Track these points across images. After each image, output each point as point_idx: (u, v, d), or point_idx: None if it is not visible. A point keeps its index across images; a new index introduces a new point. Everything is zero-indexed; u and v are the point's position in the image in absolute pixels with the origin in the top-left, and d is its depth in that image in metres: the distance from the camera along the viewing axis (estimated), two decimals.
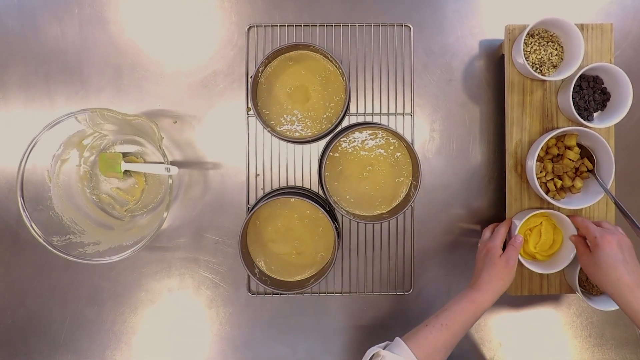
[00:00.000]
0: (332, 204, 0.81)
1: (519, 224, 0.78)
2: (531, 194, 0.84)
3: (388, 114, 0.87)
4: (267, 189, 0.87)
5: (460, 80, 0.88)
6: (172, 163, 0.87)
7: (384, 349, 0.68)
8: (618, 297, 0.68)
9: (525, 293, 0.84)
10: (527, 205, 0.85)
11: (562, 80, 0.83)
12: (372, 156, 0.83)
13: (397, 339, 0.70)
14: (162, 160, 0.77)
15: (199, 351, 0.88)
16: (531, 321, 0.90)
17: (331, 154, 0.82)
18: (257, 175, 0.88)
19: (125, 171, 0.85)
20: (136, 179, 0.87)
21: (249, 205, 0.87)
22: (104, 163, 0.85)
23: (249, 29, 0.87)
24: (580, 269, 0.81)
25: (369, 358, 0.67)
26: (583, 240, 0.77)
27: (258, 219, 0.82)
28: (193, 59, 0.87)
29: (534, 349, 0.90)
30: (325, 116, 0.83)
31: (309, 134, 0.83)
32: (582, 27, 0.83)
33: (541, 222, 0.82)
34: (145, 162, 0.87)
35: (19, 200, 0.74)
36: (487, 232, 0.82)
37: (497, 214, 0.89)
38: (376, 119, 0.87)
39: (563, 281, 0.85)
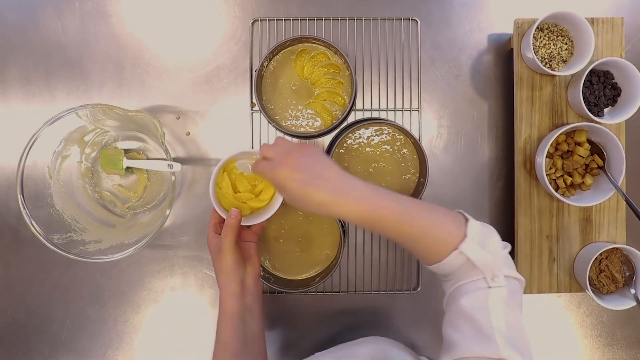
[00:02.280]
0: None
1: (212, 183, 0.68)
2: (540, 191, 0.83)
3: (395, 110, 0.86)
4: None
5: (468, 75, 0.87)
6: (175, 159, 0.86)
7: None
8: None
9: (535, 292, 0.83)
10: (537, 203, 0.83)
11: (572, 75, 0.82)
12: (378, 153, 0.81)
13: None
14: (165, 157, 0.76)
15: (202, 351, 0.87)
16: (540, 320, 0.89)
17: (336, 150, 0.81)
18: None
19: (127, 168, 0.84)
20: (138, 175, 0.86)
21: None
22: (106, 159, 0.84)
23: (253, 23, 0.86)
24: (591, 267, 0.80)
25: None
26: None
27: None
28: (196, 54, 0.86)
29: (543, 349, 0.89)
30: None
31: (314, 129, 0.82)
32: (592, 21, 0.82)
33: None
34: (147, 158, 0.86)
35: (19, 197, 0.73)
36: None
37: (505, 211, 0.87)
38: (382, 115, 0.86)
39: (573, 280, 0.84)
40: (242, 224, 0.67)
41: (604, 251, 0.80)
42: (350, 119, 0.86)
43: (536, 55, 0.80)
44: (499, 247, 0.57)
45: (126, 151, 0.85)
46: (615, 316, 0.89)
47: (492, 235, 0.58)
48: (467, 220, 0.58)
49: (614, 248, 0.80)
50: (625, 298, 0.79)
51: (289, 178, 0.54)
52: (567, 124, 0.82)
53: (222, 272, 0.67)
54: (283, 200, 0.67)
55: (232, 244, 0.66)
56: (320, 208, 0.54)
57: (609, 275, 0.81)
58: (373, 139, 0.82)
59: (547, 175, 0.79)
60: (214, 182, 0.69)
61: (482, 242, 0.56)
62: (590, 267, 0.79)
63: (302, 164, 0.55)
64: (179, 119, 0.86)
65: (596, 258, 0.80)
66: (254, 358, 0.68)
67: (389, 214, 0.54)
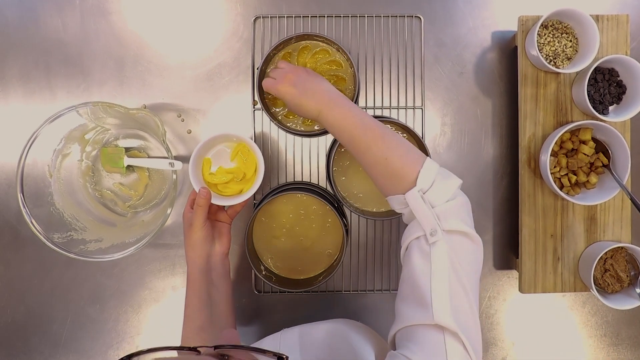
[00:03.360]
0: (341, 199, 0.79)
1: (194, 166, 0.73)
2: (545, 189, 0.83)
3: (398, 108, 0.85)
4: (274, 185, 0.86)
5: (472, 73, 0.86)
6: (177, 158, 0.85)
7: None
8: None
9: (539, 291, 0.82)
10: (541, 201, 0.83)
11: (577, 73, 0.82)
12: None
13: None
14: (166, 155, 0.75)
15: None
16: (544, 320, 0.88)
17: (339, 148, 0.80)
18: None
19: (128, 166, 0.83)
20: (139, 174, 0.85)
21: (254, 201, 0.85)
22: (106, 158, 0.83)
23: (255, 20, 0.85)
24: (596, 266, 0.79)
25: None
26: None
27: (264, 215, 0.81)
28: (198, 51, 0.85)
29: (547, 349, 0.88)
30: None
31: (317, 127, 0.81)
32: (597, 18, 0.81)
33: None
34: (148, 157, 0.85)
35: (19, 196, 0.73)
36: None
37: (509, 210, 0.87)
38: (385, 113, 0.86)
39: (577, 279, 0.83)
40: (216, 203, 0.71)
41: (608, 250, 0.79)
42: None
43: (540, 52, 0.79)
44: (447, 198, 0.56)
45: (127, 149, 0.84)
46: (620, 316, 0.88)
47: (443, 183, 0.57)
48: (419, 167, 0.58)
49: (619, 247, 0.79)
50: (630, 297, 0.78)
51: (287, 92, 0.67)
52: (572, 122, 0.81)
53: (190, 247, 0.70)
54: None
55: (201, 221, 0.69)
56: (313, 114, 0.66)
57: (614, 274, 0.80)
58: None
59: (551, 173, 0.78)
60: (196, 159, 0.73)
61: (431, 192, 0.56)
62: (595, 266, 0.78)
63: (297, 81, 0.67)
64: (180, 117, 0.85)
65: (601, 257, 0.79)
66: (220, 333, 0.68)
67: (364, 131, 0.62)
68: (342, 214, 0.82)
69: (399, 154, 0.59)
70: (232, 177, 0.75)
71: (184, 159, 0.86)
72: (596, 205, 0.83)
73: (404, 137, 0.80)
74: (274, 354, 0.36)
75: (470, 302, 0.50)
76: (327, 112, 0.64)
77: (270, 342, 0.62)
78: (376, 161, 0.61)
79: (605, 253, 0.80)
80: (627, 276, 0.80)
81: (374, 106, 0.85)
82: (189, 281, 0.70)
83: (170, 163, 0.76)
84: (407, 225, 0.60)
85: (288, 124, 0.81)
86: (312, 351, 0.58)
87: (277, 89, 0.69)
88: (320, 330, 0.62)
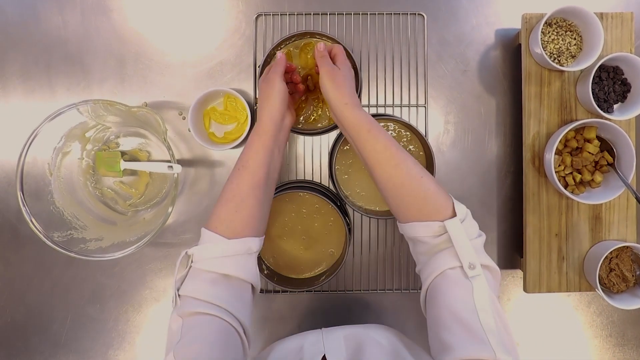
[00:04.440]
0: (343, 198, 0.78)
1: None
2: (549, 188, 0.82)
3: (401, 106, 0.85)
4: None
5: (475, 71, 0.86)
6: (178, 156, 0.85)
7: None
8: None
9: (544, 291, 0.82)
10: (546, 200, 0.82)
11: (581, 71, 0.81)
12: None
13: (202, 229, 0.61)
14: (167, 153, 0.75)
15: None
16: (549, 320, 0.88)
17: (341, 147, 0.80)
18: None
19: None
20: (140, 172, 0.85)
21: None
22: (102, 162, 0.83)
23: (257, 18, 0.84)
24: (601, 266, 0.78)
25: (179, 262, 0.59)
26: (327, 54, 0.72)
27: None
28: (199, 49, 0.85)
29: (552, 349, 0.87)
30: None
31: (319, 125, 0.80)
32: (601, 15, 0.81)
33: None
34: (149, 155, 0.85)
35: (19, 194, 0.72)
36: None
37: (513, 209, 0.86)
38: (388, 111, 0.85)
39: (582, 279, 0.82)
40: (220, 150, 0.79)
41: (614, 249, 0.79)
42: None
43: (544, 50, 0.79)
44: (476, 234, 0.59)
45: (123, 153, 0.83)
46: (626, 316, 0.87)
47: (472, 221, 0.60)
48: (451, 199, 0.60)
49: (624, 246, 0.79)
50: (636, 297, 0.78)
51: (333, 69, 0.68)
52: (576, 120, 0.81)
53: (266, 98, 0.68)
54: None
55: (281, 75, 0.69)
56: (342, 99, 0.65)
57: (619, 274, 0.79)
58: None
59: (556, 172, 0.78)
60: (193, 117, 0.79)
61: (465, 225, 0.57)
62: (600, 265, 0.78)
63: (337, 76, 0.67)
64: (181, 114, 0.85)
65: (606, 256, 0.79)
66: (268, 201, 0.67)
67: (397, 146, 0.63)
68: (344, 213, 0.81)
69: (432, 178, 0.61)
70: (231, 118, 0.82)
71: (186, 157, 0.85)
72: (601, 204, 0.82)
73: (407, 135, 0.80)
74: None
75: (510, 335, 0.52)
76: (356, 106, 0.65)
77: (312, 338, 0.59)
78: (411, 177, 0.60)
79: (611, 252, 0.79)
80: (633, 276, 0.79)
81: (377, 104, 0.85)
82: (257, 133, 0.65)
83: (169, 166, 0.75)
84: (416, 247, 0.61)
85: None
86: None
87: (322, 73, 0.68)
88: (378, 338, 0.60)
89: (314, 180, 0.85)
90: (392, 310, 0.86)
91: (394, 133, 0.80)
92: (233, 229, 0.60)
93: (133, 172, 0.85)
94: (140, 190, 0.85)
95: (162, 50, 0.85)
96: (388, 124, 0.80)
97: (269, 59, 0.79)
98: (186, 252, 0.59)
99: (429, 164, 0.78)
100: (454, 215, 0.58)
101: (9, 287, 0.85)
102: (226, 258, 0.58)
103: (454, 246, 0.56)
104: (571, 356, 0.88)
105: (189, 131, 0.85)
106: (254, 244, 0.61)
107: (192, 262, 0.59)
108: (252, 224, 0.62)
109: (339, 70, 0.68)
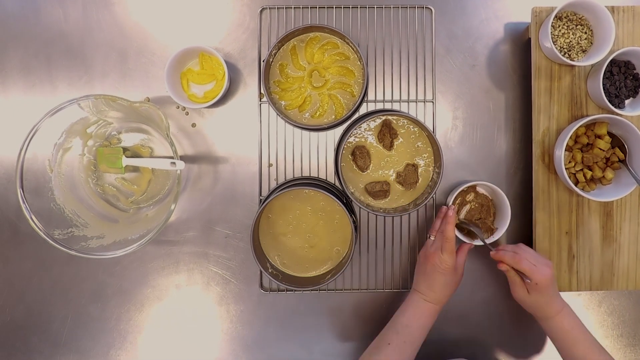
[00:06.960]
0: (349, 195, 0.77)
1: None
2: (559, 185, 0.81)
3: (408, 101, 0.84)
4: (281, 180, 0.84)
5: (484, 66, 0.85)
6: (181, 152, 0.84)
7: None
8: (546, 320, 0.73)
9: None
10: (556, 197, 0.81)
11: (592, 66, 0.81)
12: None
13: None
14: (170, 149, 0.74)
15: (208, 351, 0.85)
16: None
17: (347, 142, 0.78)
18: (269, 166, 0.84)
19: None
20: (142, 169, 0.84)
21: (261, 197, 0.84)
22: (103, 158, 0.82)
23: (261, 11, 0.83)
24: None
25: None
26: (517, 273, 0.74)
27: (271, 211, 0.79)
28: (203, 43, 0.83)
29: None
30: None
31: (325, 121, 0.79)
32: (612, 9, 0.80)
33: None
34: (152, 151, 0.84)
35: (19, 191, 0.72)
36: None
37: (523, 206, 0.85)
38: (395, 106, 0.84)
39: (593, 278, 0.81)
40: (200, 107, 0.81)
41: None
42: (362, 110, 0.83)
43: (555, 44, 0.78)
44: None
45: (125, 149, 0.82)
46: (638, 316, 0.86)
47: None
48: None
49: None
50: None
51: (543, 284, 0.71)
52: (587, 115, 0.80)
53: (456, 284, 0.75)
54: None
55: (452, 248, 0.75)
56: (554, 307, 0.73)
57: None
58: None
59: (566, 169, 0.77)
60: (170, 76, 0.79)
61: None
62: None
63: (552, 283, 0.72)
64: (184, 110, 0.84)
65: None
66: None
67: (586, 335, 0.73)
68: (350, 210, 0.80)
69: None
70: (209, 76, 0.81)
71: (189, 154, 0.84)
72: (612, 201, 0.81)
73: (415, 131, 0.79)
74: None
75: None
76: (567, 313, 0.73)
77: None
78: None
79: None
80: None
81: (384, 99, 0.84)
82: (437, 314, 0.74)
83: (172, 163, 0.74)
84: None
85: (295, 118, 0.79)
86: None
87: (541, 275, 0.70)
88: None
89: (319, 177, 0.84)
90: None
91: (402, 129, 0.79)
92: None
93: (135, 169, 0.84)
94: (143, 187, 0.84)
95: (165, 44, 0.84)
96: (395, 119, 0.79)
97: (274, 53, 0.78)
98: None
99: (437, 161, 0.77)
100: None
101: (8, 285, 0.84)
102: None
103: None
104: None
105: (194, 126, 0.84)
106: None
107: None
108: None
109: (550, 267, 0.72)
